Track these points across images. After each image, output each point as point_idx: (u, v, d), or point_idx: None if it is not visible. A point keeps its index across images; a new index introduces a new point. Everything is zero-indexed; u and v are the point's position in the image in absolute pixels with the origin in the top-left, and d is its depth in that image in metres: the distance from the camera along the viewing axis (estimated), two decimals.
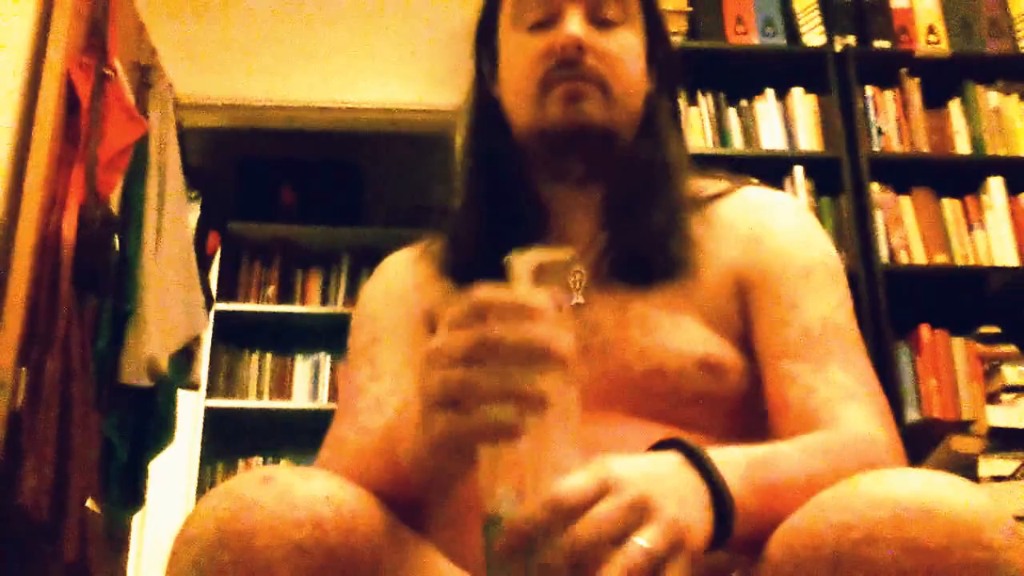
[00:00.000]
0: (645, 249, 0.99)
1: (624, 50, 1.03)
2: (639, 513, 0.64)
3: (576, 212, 1.04)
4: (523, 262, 0.70)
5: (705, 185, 1.08)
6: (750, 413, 0.95)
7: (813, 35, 2.92)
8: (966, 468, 2.10)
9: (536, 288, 0.69)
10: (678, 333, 0.95)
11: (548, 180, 1.06)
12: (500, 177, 1.06)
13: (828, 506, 0.70)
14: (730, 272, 1.00)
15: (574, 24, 1.01)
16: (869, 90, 2.84)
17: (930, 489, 0.67)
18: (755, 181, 1.11)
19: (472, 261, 1.01)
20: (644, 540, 0.62)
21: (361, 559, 0.70)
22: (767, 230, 1.02)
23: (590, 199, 1.04)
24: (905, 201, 2.77)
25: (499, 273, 0.79)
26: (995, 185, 2.77)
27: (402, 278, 1.09)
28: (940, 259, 2.71)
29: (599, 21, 1.03)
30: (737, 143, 2.81)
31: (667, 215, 1.00)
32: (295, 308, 4.20)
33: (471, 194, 1.09)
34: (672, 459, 0.71)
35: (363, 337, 1.05)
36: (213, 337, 3.81)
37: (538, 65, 1.01)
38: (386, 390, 0.98)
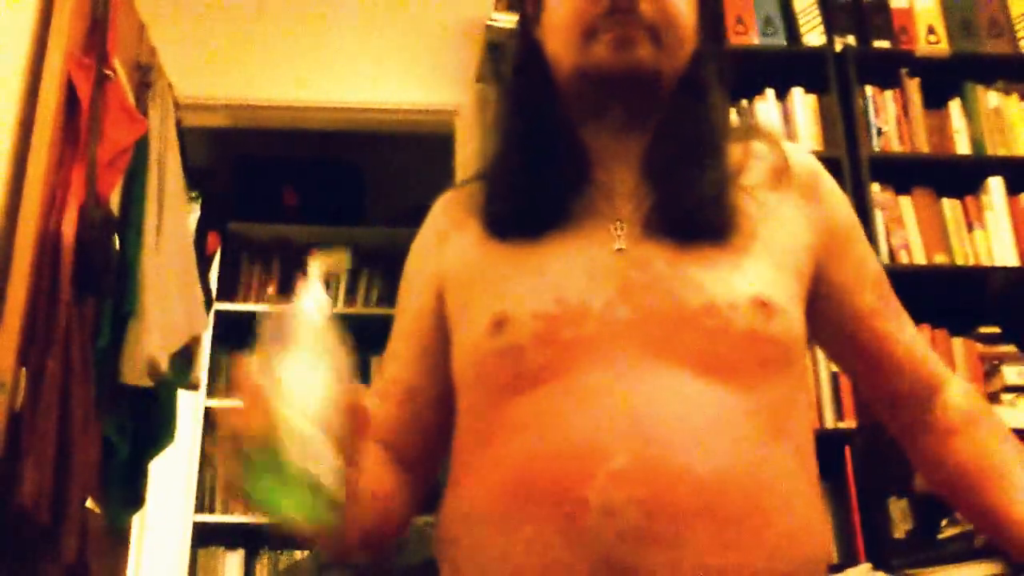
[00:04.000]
0: (701, 212, 0.97)
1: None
2: None
3: (617, 160, 1.02)
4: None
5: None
6: (793, 364, 0.95)
7: (813, 35, 2.91)
8: None
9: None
10: (734, 272, 0.94)
11: (589, 125, 1.03)
12: (540, 121, 1.04)
13: None
14: (795, 225, 1.01)
15: None
16: (869, 90, 2.84)
17: None
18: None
19: (510, 207, 1.01)
20: None
21: None
22: (821, 181, 1.07)
23: (630, 148, 1.02)
24: (905, 201, 2.77)
25: (535, 219, 0.91)
26: (995, 185, 2.77)
27: (434, 229, 1.10)
28: (940, 259, 2.71)
29: None
30: None
31: (719, 175, 0.99)
32: None
33: (509, 139, 1.06)
34: None
35: (399, 297, 1.12)
36: (213, 337, 3.81)
37: (588, 7, 0.98)
38: (388, 379, 1.07)
